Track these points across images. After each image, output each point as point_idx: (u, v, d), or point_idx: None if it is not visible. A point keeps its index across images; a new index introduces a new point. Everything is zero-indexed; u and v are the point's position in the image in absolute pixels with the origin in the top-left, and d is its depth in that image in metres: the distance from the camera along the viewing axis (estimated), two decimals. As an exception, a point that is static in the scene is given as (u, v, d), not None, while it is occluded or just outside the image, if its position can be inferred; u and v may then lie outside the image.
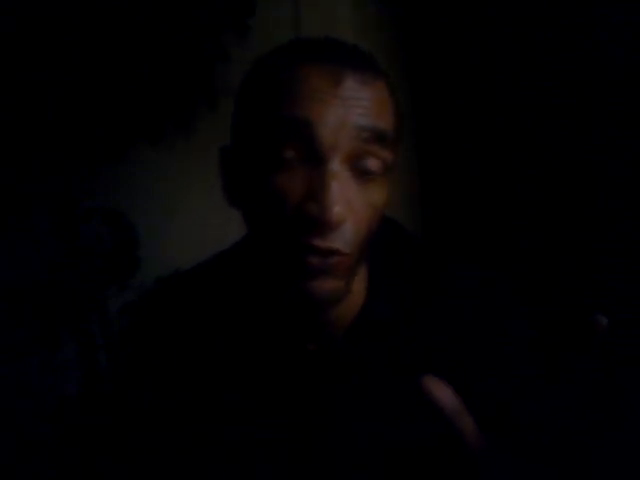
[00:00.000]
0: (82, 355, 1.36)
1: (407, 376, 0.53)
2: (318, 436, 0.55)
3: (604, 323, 0.42)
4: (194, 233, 1.46)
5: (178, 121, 1.42)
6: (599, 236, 1.20)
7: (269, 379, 0.56)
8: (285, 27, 1.41)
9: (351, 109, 0.47)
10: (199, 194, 1.43)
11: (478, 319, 0.55)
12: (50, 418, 1.29)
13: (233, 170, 0.55)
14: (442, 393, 0.40)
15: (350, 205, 0.48)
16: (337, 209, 0.45)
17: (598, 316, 0.42)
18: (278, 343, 0.56)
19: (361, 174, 0.49)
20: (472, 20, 1.39)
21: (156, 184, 1.48)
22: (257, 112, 0.50)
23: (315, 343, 0.56)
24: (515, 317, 0.57)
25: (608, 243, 1.17)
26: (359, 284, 0.56)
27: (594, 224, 1.21)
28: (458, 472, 0.40)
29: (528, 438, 0.49)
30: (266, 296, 0.55)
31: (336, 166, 0.47)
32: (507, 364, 0.54)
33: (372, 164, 0.48)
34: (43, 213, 1.35)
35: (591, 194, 1.21)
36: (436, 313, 0.55)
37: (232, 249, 0.64)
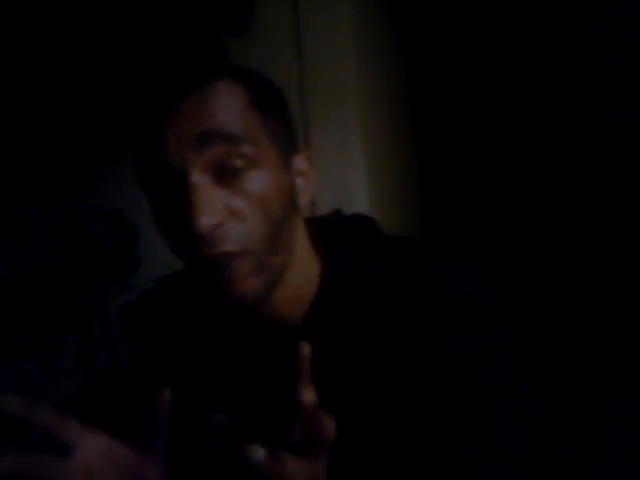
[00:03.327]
0: (82, 355, 1.36)
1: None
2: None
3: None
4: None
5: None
6: (600, 243, 1.20)
7: (250, 368, 0.58)
8: (285, 27, 1.41)
9: (189, 123, 0.49)
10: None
11: (454, 305, 0.55)
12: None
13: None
14: None
15: (225, 207, 0.49)
16: (204, 219, 0.47)
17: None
18: (246, 334, 0.58)
19: (227, 174, 0.50)
20: (473, 23, 1.39)
21: (156, 184, 1.48)
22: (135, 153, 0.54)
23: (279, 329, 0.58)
24: (493, 308, 0.57)
25: (609, 254, 1.17)
26: (311, 271, 0.57)
27: (594, 229, 1.21)
28: None
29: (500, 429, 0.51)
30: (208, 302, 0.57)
31: (195, 178, 0.49)
32: (481, 349, 0.54)
33: (233, 162, 0.50)
34: (43, 213, 1.35)
35: (591, 199, 1.21)
36: (408, 295, 0.55)
37: None
